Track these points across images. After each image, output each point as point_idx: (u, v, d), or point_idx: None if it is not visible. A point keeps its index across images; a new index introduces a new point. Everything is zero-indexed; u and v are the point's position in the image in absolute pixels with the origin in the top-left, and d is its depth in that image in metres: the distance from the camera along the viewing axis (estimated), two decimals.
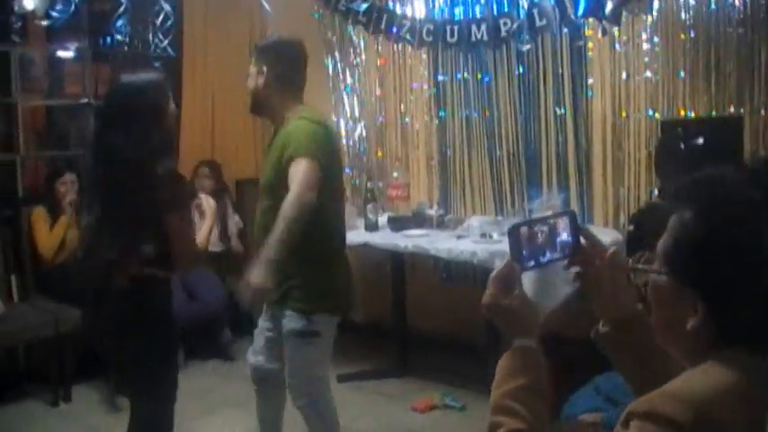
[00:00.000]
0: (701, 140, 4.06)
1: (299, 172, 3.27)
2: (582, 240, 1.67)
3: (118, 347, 3.19)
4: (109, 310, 3.14)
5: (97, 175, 3.18)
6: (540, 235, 1.60)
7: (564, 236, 1.64)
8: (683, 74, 4.59)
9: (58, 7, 5.74)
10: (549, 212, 1.70)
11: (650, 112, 4.73)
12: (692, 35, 4.55)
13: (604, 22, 4.77)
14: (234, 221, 6.26)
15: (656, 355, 1.61)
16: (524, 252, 1.58)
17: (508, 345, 1.58)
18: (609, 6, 4.69)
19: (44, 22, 5.74)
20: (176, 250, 3.10)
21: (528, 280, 1.62)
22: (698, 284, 1.34)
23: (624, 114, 4.84)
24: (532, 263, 1.59)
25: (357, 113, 6.14)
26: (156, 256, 3.09)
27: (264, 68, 3.53)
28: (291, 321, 3.48)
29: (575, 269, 1.69)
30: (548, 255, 1.62)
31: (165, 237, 3.06)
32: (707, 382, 1.28)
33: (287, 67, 3.55)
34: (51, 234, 5.45)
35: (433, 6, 5.56)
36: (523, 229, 1.58)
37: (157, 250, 3.08)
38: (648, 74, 4.73)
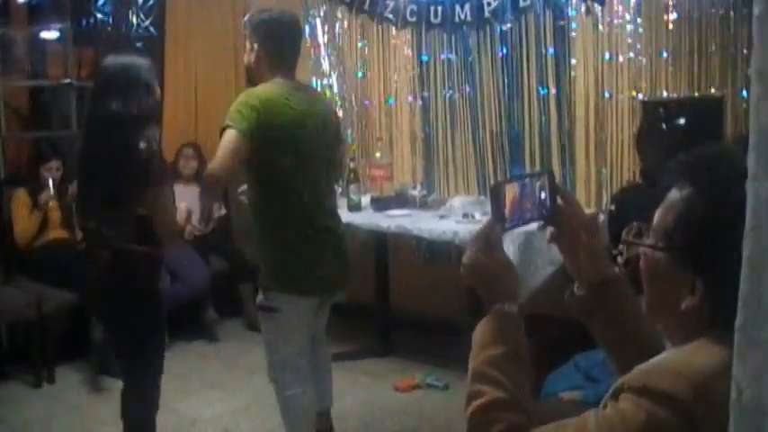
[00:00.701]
0: (682, 121, 4.07)
1: (220, 143, 3.26)
2: (559, 201, 1.64)
3: (107, 318, 3.37)
4: (98, 281, 3.31)
5: (86, 152, 3.32)
6: (521, 194, 1.57)
7: (543, 195, 1.61)
8: (665, 54, 4.60)
9: None
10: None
11: (633, 93, 4.74)
12: (675, 16, 4.55)
13: (588, 1, 4.78)
14: (216, 206, 6.22)
15: (629, 319, 1.60)
16: (505, 211, 1.54)
17: (487, 310, 1.53)
18: None
19: (21, 0, 5.71)
20: (155, 223, 3.18)
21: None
22: (699, 265, 1.32)
23: (607, 95, 4.84)
24: (513, 222, 1.56)
25: (340, 94, 6.11)
26: (139, 229, 3.18)
27: (255, 45, 3.53)
28: (258, 295, 3.60)
29: (550, 230, 1.67)
30: (527, 215, 1.59)
31: (146, 210, 3.17)
32: (704, 360, 1.26)
33: (276, 44, 3.52)
34: (30, 220, 5.42)
35: None
36: (505, 188, 1.55)
37: (139, 223, 3.18)
38: (631, 54, 4.73)
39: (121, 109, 3.16)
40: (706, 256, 1.30)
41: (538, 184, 1.61)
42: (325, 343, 4.01)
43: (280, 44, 3.52)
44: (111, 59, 3.41)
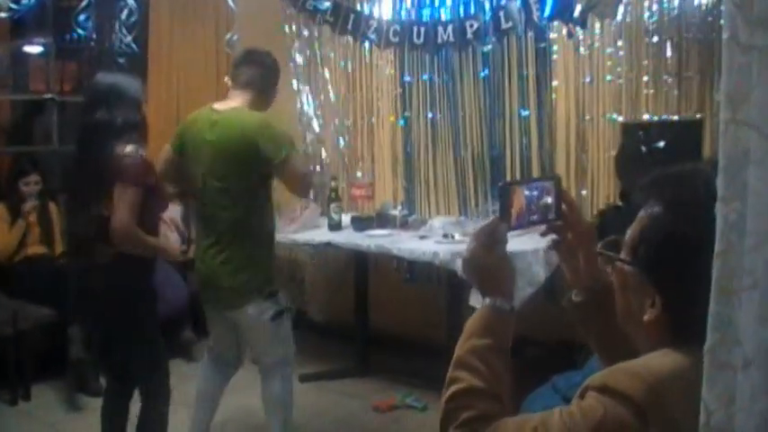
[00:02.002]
0: (662, 143, 4.09)
1: None
2: (563, 207, 1.68)
3: (94, 324, 3.49)
4: (82, 287, 3.49)
5: (73, 160, 3.53)
6: (527, 197, 1.60)
7: (548, 200, 1.64)
8: (645, 77, 4.64)
9: (23, 1, 5.69)
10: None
11: (613, 115, 4.76)
12: (656, 39, 4.59)
13: (570, 24, 4.81)
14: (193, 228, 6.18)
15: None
16: (512, 212, 1.57)
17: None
18: (577, 10, 4.73)
19: (2, 14, 5.69)
20: (111, 223, 3.27)
21: None
22: (657, 279, 1.37)
23: (588, 117, 4.87)
24: (518, 224, 1.59)
25: (323, 113, 6.12)
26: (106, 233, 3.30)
27: None
28: None
29: (552, 237, 1.71)
30: (534, 218, 1.63)
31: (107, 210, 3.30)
32: (663, 364, 1.32)
33: (230, 74, 3.96)
34: (9, 234, 5.38)
35: (400, 8, 5.57)
36: (513, 189, 1.59)
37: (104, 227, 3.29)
38: (612, 77, 4.76)
39: (103, 118, 3.33)
40: (665, 272, 1.36)
41: (544, 188, 1.64)
42: (268, 376, 3.93)
43: (230, 75, 3.93)
44: (102, 75, 3.65)
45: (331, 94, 6.07)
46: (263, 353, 3.92)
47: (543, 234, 1.72)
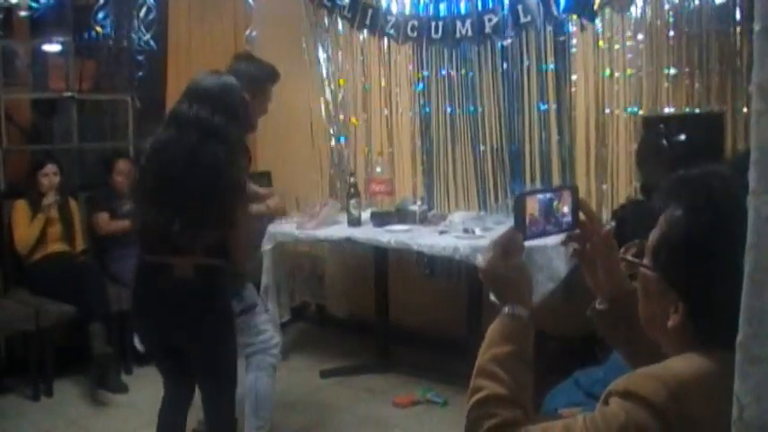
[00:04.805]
0: (683, 137, 4.07)
1: None
2: (581, 216, 1.68)
3: (186, 336, 3.21)
4: (175, 299, 3.17)
5: (174, 170, 3.13)
6: (544, 207, 1.61)
7: (565, 210, 1.66)
8: (666, 70, 4.61)
9: (42, 0, 5.72)
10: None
11: (633, 109, 4.74)
12: (676, 32, 4.56)
13: (584, 19, 4.80)
14: None
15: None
16: (528, 222, 1.58)
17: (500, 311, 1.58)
18: (596, 3, 4.71)
19: (23, 13, 5.72)
20: (239, 242, 3.17)
21: None
22: (679, 285, 1.37)
23: (607, 110, 4.84)
24: (533, 234, 1.60)
25: (341, 108, 6.12)
26: (219, 247, 3.15)
27: None
28: None
29: (573, 245, 1.71)
30: (549, 227, 1.64)
31: (228, 228, 3.12)
32: (685, 368, 1.32)
33: None
34: (29, 228, 5.39)
35: (418, 2, 5.56)
36: (529, 199, 1.59)
37: (220, 241, 3.14)
38: (632, 70, 4.73)
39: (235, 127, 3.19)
40: (686, 277, 1.36)
41: (561, 198, 1.65)
42: (247, 367, 4.00)
43: None
44: (212, 77, 3.52)
45: (349, 89, 6.07)
46: (239, 344, 3.84)
47: (563, 244, 1.73)
